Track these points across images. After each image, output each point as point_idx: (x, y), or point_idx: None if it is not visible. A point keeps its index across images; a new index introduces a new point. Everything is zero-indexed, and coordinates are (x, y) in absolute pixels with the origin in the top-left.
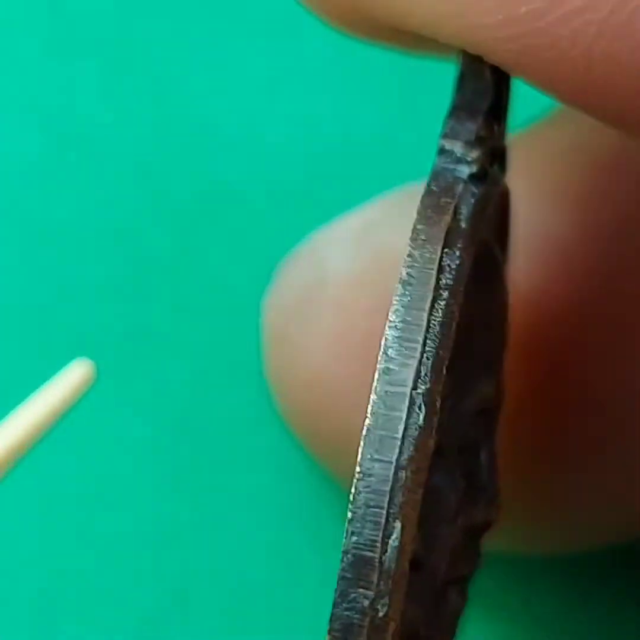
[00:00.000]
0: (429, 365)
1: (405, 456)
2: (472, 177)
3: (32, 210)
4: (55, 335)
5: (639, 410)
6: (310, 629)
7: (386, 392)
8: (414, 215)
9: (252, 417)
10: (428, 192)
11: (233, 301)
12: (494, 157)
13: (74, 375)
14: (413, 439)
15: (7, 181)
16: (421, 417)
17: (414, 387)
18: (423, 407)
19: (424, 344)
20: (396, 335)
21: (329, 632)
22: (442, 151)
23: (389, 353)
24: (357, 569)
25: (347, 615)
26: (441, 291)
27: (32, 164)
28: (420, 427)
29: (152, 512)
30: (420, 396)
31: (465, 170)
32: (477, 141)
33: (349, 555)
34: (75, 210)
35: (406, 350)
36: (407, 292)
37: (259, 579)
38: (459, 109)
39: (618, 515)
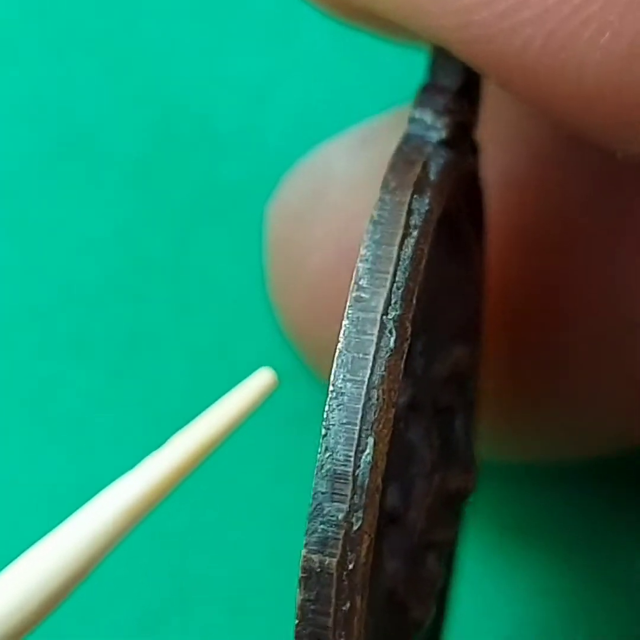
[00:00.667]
0: (399, 294)
1: (376, 376)
2: (441, 142)
3: (30, 212)
4: (54, 336)
5: (615, 322)
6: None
7: (358, 317)
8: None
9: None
10: (398, 152)
11: (231, 301)
12: (465, 133)
13: (257, 382)
14: (384, 361)
15: (5, 182)
16: (392, 340)
17: (385, 313)
18: (394, 331)
19: (394, 276)
20: (367, 267)
21: (305, 546)
22: (412, 120)
23: (360, 283)
24: (331, 483)
25: (323, 529)
26: (411, 230)
27: (30, 164)
28: (391, 350)
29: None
30: (391, 322)
31: (434, 136)
32: (446, 112)
33: (323, 471)
34: (74, 211)
35: (377, 280)
36: (377, 230)
37: (257, 579)
38: (430, 86)
39: (606, 422)
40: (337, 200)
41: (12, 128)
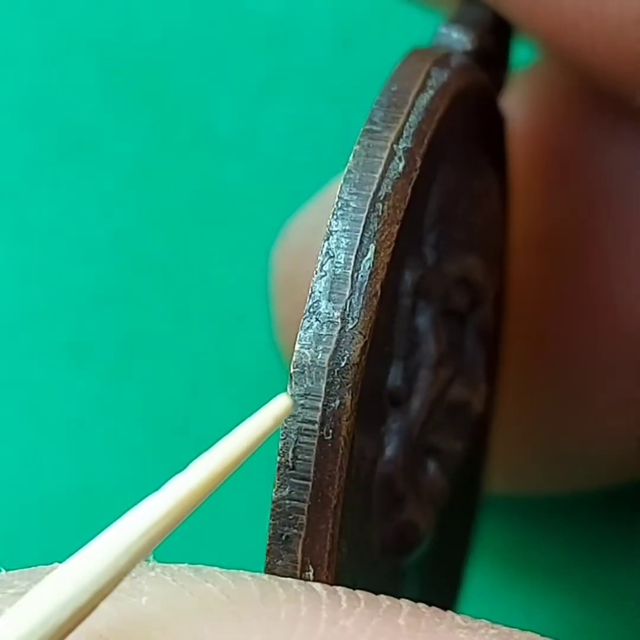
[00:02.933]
0: (411, 131)
1: (382, 192)
2: (465, 52)
3: (29, 213)
4: (52, 338)
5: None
6: None
7: (368, 144)
8: None
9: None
10: (422, 48)
11: (230, 305)
12: (489, 61)
13: (274, 407)
14: (391, 181)
15: (4, 182)
16: (400, 165)
17: (396, 142)
18: (403, 159)
19: (407, 116)
20: (382, 108)
21: (298, 342)
22: (438, 34)
23: (373, 119)
24: (329, 283)
25: (317, 325)
26: (427, 88)
27: (30, 165)
28: (399, 173)
29: None
30: (401, 150)
31: (459, 46)
32: (471, 30)
33: (322, 271)
34: (73, 213)
35: (391, 118)
36: (394, 84)
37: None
38: (457, 18)
39: (614, 452)
40: None
41: (12, 128)
